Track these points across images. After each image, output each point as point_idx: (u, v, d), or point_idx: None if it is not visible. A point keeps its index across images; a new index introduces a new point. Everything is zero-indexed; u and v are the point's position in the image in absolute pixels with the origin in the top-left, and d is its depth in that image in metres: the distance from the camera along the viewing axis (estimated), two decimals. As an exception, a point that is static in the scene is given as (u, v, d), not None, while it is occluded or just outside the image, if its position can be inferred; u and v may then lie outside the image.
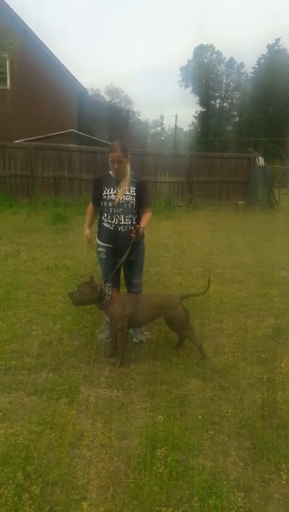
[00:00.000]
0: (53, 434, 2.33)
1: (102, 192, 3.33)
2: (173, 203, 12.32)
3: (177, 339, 3.46)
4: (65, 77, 18.85)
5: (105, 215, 3.33)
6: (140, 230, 3.19)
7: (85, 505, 1.88)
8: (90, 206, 3.55)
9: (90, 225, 3.56)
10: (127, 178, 3.31)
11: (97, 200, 3.39)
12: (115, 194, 3.29)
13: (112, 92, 59.34)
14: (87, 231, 3.53)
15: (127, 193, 3.30)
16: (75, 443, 2.28)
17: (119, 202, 3.27)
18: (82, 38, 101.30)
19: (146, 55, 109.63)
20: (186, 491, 1.97)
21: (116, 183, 3.31)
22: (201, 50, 50.90)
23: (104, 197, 3.32)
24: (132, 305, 3.18)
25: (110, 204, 3.29)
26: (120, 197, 3.27)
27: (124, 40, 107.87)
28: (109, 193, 3.31)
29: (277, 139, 36.02)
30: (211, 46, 50.73)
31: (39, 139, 13.45)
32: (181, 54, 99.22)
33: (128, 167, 3.32)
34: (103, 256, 3.44)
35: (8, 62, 14.05)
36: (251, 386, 2.92)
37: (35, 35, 15.61)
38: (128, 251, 3.22)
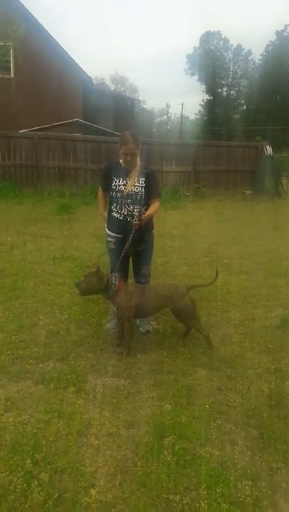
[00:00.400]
0: (61, 422, 2.35)
1: (112, 182, 3.30)
2: (179, 193, 12.24)
3: (184, 329, 3.46)
4: (70, 66, 18.69)
5: (114, 204, 3.31)
6: (142, 216, 3.16)
7: (93, 492, 1.89)
8: (100, 192, 3.53)
9: (105, 209, 3.53)
10: (137, 169, 3.27)
11: (106, 188, 3.37)
12: (124, 185, 3.25)
13: (117, 80, 58.83)
14: (103, 213, 3.53)
15: (137, 184, 3.26)
16: (83, 431, 2.29)
17: (128, 193, 3.24)
18: (86, 26, 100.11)
19: (151, 43, 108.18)
20: (194, 479, 1.98)
21: (125, 173, 3.28)
22: (207, 37, 50.10)
23: (114, 187, 3.29)
24: (138, 295, 3.17)
25: (119, 195, 3.27)
26: (130, 188, 3.24)
27: (129, 27, 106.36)
28: (118, 183, 3.27)
29: (285, 128, 35.52)
30: (218, 33, 49.93)
31: (44, 128, 13.38)
32: (188, 41, 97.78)
33: (138, 158, 3.28)
34: (112, 246, 3.43)
35: (11, 50, 13.89)
36: (258, 376, 2.92)
37: (39, 23, 15.43)
38: (131, 238, 3.19)
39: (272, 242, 7.13)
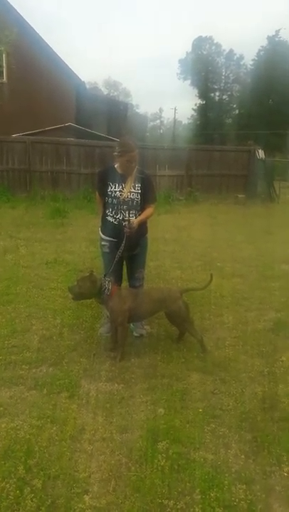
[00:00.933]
0: (54, 428, 2.33)
1: (107, 188, 3.28)
2: (172, 197, 12.28)
3: (177, 333, 3.46)
4: (63, 70, 18.70)
5: (110, 209, 3.30)
6: (133, 225, 3.17)
7: (86, 498, 1.88)
8: (98, 197, 3.46)
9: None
10: (133, 175, 3.26)
11: (103, 193, 3.36)
12: (120, 191, 3.24)
13: (110, 85, 58.97)
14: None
15: (133, 190, 3.26)
16: (76, 437, 2.28)
17: (124, 199, 3.24)
18: (79, 30, 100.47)
19: (144, 48, 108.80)
20: (188, 484, 1.97)
21: (121, 178, 3.26)
22: (199, 42, 50.45)
23: (109, 193, 3.27)
24: (131, 299, 3.17)
25: (115, 201, 3.25)
26: (126, 195, 3.23)
27: (122, 32, 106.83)
28: (114, 189, 3.26)
29: (277, 132, 35.82)
30: (210, 38, 50.31)
31: (37, 132, 13.38)
32: (180, 46, 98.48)
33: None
34: (106, 250, 3.42)
35: (4, 55, 13.92)
36: (252, 379, 2.92)
37: (32, 27, 15.47)
38: (123, 243, 3.19)
39: (264, 246, 7.16)
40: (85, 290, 3.08)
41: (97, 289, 3.07)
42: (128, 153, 3.17)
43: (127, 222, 3.19)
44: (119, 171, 3.27)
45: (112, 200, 3.27)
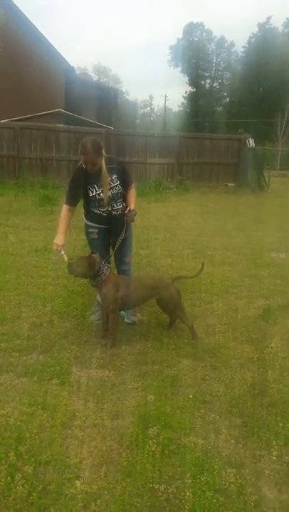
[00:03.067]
0: (45, 414, 2.33)
1: (88, 193, 3.19)
2: (163, 185, 12.20)
3: (168, 320, 3.47)
4: (52, 55, 18.34)
5: (95, 204, 3.24)
6: (132, 212, 3.21)
7: (78, 483, 1.89)
8: (65, 210, 3.25)
9: (65, 232, 3.25)
10: (105, 173, 3.14)
11: (77, 199, 3.26)
12: (102, 192, 3.17)
13: (100, 71, 58.11)
14: (60, 238, 3.20)
15: (112, 184, 3.20)
16: (67, 423, 2.28)
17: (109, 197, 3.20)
18: (69, 14, 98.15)
19: (135, 34, 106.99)
20: (179, 468, 1.99)
21: (97, 177, 3.16)
22: (190, 29, 49.84)
23: (92, 198, 3.20)
24: (124, 287, 3.16)
25: (100, 203, 3.21)
26: (106, 196, 3.17)
27: (112, 17, 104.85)
28: (95, 193, 3.18)
29: (267, 120, 35.79)
30: (201, 24, 49.78)
31: (25, 118, 13.11)
32: (171, 32, 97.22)
33: (102, 161, 3.12)
34: (95, 236, 3.38)
35: (-9, 37, 13.52)
36: (242, 365, 2.95)
37: (20, 10, 15.06)
38: (124, 232, 3.24)
39: (254, 234, 7.20)
40: (81, 270, 3.05)
41: (94, 271, 3.03)
42: (82, 155, 3.07)
43: (127, 212, 3.22)
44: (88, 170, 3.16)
45: (98, 203, 3.23)
